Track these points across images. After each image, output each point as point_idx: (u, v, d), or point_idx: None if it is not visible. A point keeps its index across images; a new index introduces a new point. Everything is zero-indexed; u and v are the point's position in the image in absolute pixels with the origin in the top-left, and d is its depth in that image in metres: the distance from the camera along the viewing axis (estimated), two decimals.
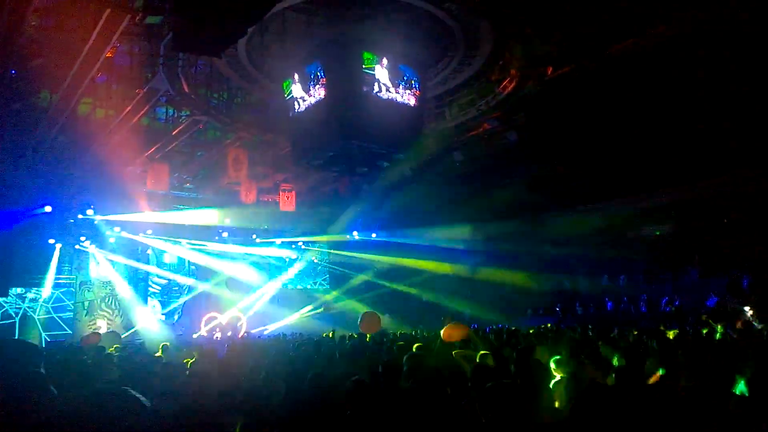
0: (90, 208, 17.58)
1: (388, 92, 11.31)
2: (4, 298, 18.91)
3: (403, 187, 17.33)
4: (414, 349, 6.41)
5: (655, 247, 19.12)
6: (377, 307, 19.80)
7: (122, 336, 16.32)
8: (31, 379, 2.91)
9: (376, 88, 11.13)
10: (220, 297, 22.40)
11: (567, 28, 10.63)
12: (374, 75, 11.12)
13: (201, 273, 22.51)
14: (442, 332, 7.83)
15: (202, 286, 22.31)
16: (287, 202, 18.47)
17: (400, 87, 11.56)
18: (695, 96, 11.51)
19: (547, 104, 12.90)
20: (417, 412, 3.70)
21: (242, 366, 7.11)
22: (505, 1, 10.41)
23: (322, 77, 11.22)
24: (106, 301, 20.60)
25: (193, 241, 21.53)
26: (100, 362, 6.97)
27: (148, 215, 18.51)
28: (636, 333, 9.91)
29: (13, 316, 19.26)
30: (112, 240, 19.95)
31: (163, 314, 21.75)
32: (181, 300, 22.31)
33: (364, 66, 11.00)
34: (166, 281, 22.07)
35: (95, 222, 18.69)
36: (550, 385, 4.67)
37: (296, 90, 11.79)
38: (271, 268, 24.69)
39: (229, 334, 18.92)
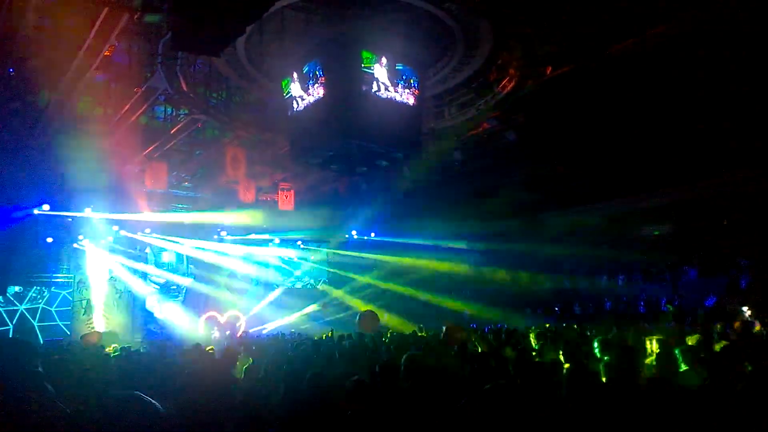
0: (88, 206, 17.55)
1: (386, 91, 11.28)
2: (1, 297, 18.89)
3: (402, 187, 17.32)
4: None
5: (655, 247, 19.12)
6: (376, 306, 19.80)
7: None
8: (28, 378, 2.89)
9: (374, 87, 11.10)
10: (219, 296, 22.38)
11: (567, 28, 10.61)
12: (373, 74, 11.09)
13: (199, 272, 22.47)
14: (441, 335, 7.84)
15: (200, 286, 22.28)
16: (286, 201, 18.44)
17: (399, 86, 11.52)
18: (695, 96, 11.50)
19: (547, 104, 12.90)
20: (416, 412, 3.69)
21: (240, 365, 7.10)
22: (505, 1, 10.40)
23: (321, 76, 11.19)
24: (104, 300, 20.56)
25: (192, 240, 21.53)
26: (98, 362, 6.95)
27: (146, 214, 18.49)
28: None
29: (11, 315, 19.23)
30: (110, 239, 19.92)
31: (161, 314, 21.68)
32: (180, 299, 22.27)
33: (363, 65, 10.97)
34: (164, 280, 22.02)
35: (93, 221, 18.66)
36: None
37: (295, 89, 11.76)
38: (276, 269, 24.73)
39: (227, 333, 18.89)
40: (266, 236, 23.14)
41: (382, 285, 23.33)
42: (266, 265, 24.59)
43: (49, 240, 18.86)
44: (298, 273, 25.49)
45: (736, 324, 10.58)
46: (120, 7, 8.88)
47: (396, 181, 17.06)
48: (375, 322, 13.85)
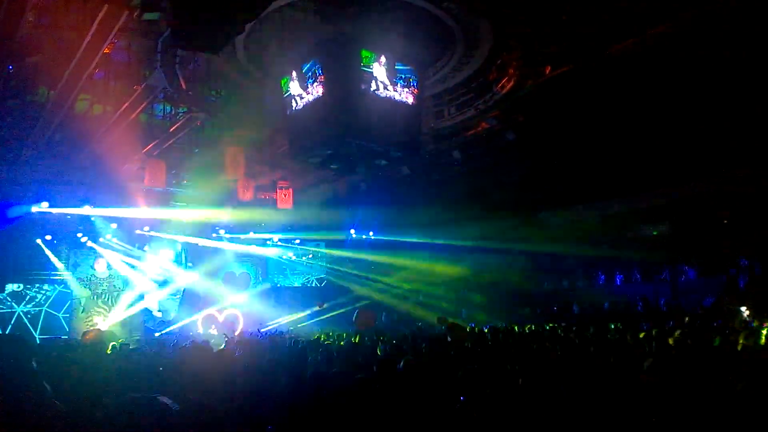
0: (87, 204, 17.54)
1: (386, 90, 11.27)
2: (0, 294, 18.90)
3: (401, 186, 17.31)
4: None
5: (653, 246, 19.15)
6: (373, 305, 19.83)
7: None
8: (25, 377, 2.89)
9: (373, 86, 11.08)
10: (217, 294, 22.38)
11: (567, 28, 10.60)
12: (372, 73, 11.07)
13: (198, 270, 22.45)
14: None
15: (198, 284, 22.26)
16: (284, 200, 18.43)
17: (398, 85, 11.51)
18: (695, 96, 11.50)
19: (546, 104, 12.89)
20: (415, 412, 3.69)
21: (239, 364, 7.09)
22: (505, 1, 10.38)
23: (320, 75, 11.17)
24: (103, 297, 20.55)
25: (190, 239, 21.51)
26: (97, 360, 6.95)
27: (145, 211, 18.48)
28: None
29: (9, 313, 19.21)
30: (108, 236, 19.90)
31: (159, 311, 21.68)
32: (178, 297, 22.26)
33: (362, 64, 10.96)
34: (163, 278, 22.00)
35: (92, 218, 18.64)
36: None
37: (294, 87, 11.74)
38: (269, 266, 24.72)
39: (225, 332, 18.86)
40: (265, 235, 23.14)
41: (385, 284, 23.36)
42: (264, 264, 24.60)
43: (48, 237, 18.86)
44: (296, 272, 25.52)
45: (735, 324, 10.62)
46: (119, 4, 8.85)
47: (395, 181, 17.05)
48: (372, 320, 13.87)
